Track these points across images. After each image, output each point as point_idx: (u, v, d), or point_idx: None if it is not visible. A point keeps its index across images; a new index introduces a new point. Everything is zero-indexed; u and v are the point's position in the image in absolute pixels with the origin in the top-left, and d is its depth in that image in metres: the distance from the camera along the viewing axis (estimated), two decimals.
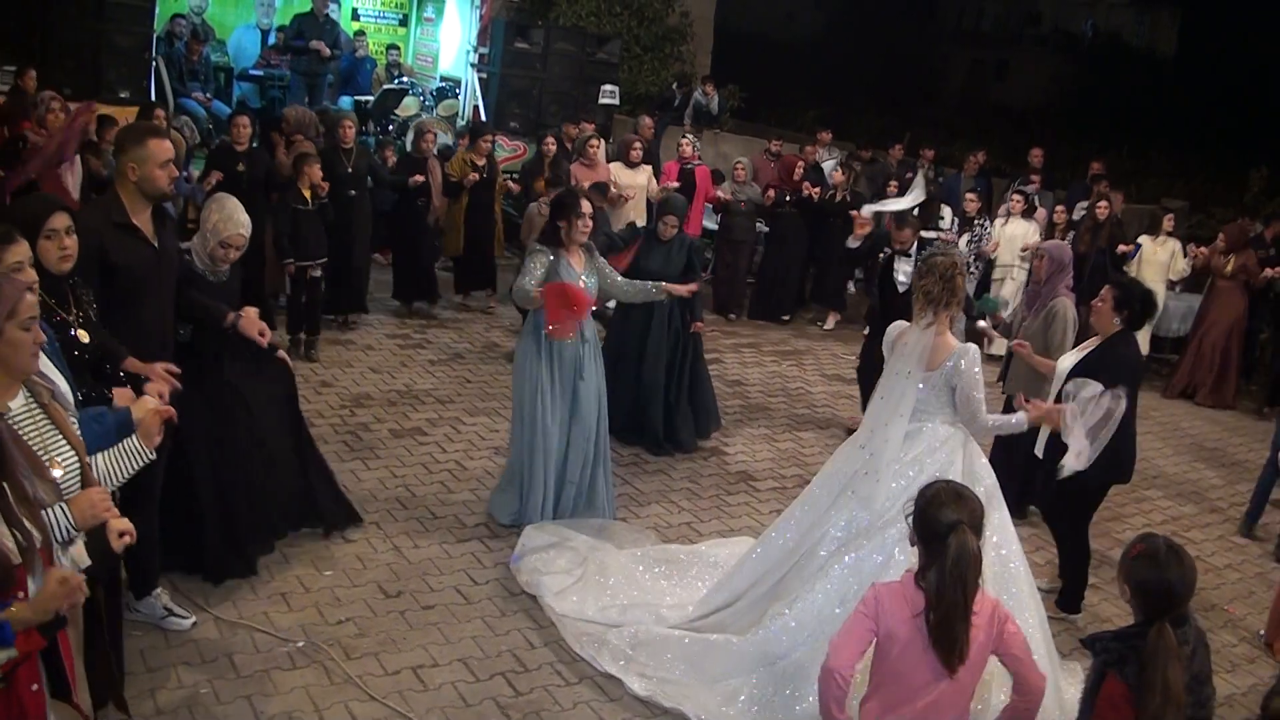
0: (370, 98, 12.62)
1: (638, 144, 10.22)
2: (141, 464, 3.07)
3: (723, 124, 15.60)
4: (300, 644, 4.41)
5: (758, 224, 11.24)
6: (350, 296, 8.83)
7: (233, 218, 4.63)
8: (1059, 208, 10.47)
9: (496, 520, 5.71)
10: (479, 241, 9.72)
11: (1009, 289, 9.99)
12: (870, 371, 7.63)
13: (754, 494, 6.60)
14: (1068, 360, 5.32)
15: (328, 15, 12.30)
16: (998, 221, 10.50)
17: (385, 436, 6.74)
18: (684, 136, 11.37)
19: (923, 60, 34.12)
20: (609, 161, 10.24)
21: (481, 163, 9.49)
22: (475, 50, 13.16)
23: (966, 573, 2.90)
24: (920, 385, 4.39)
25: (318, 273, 8.09)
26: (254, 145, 8.79)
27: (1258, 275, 9.84)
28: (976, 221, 10.59)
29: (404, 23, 14.61)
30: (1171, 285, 10.41)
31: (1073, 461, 4.49)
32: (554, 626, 4.77)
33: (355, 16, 14.10)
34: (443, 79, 13.71)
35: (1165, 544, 2.93)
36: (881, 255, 7.63)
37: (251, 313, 4.62)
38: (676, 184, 10.30)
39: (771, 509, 6.36)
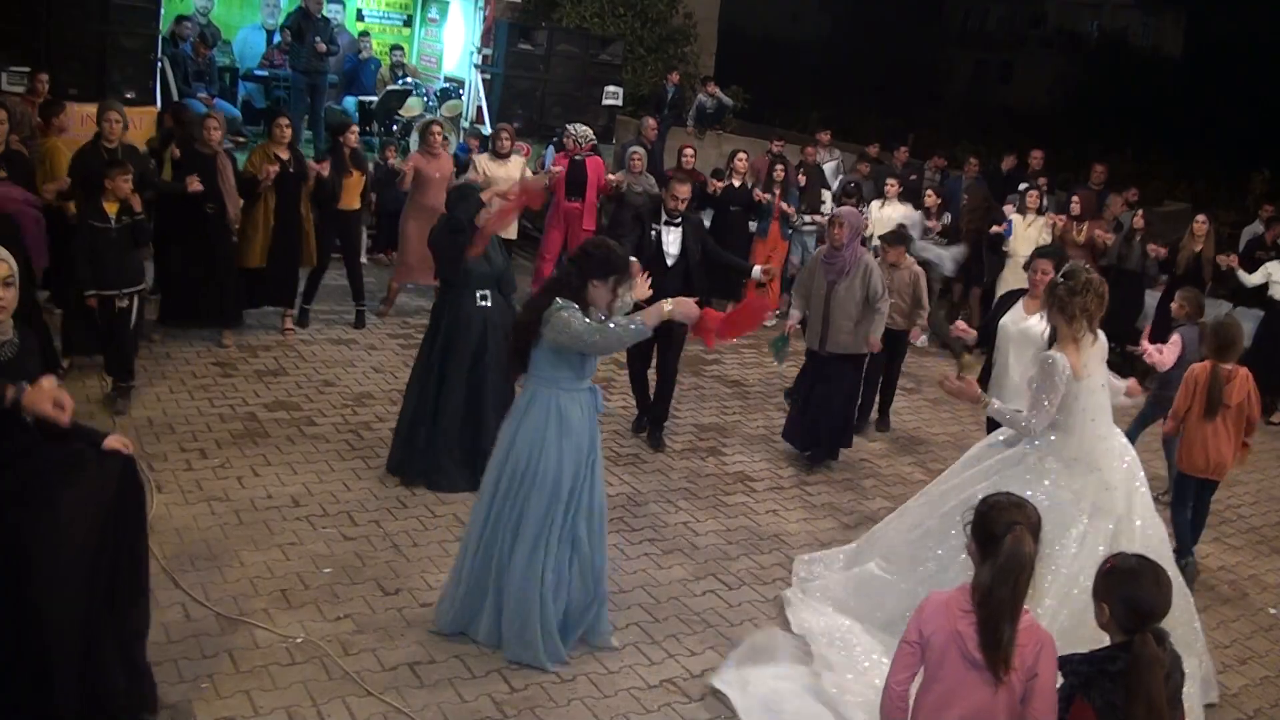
0: (374, 98, 12.70)
1: (505, 133, 9.69)
2: None
3: (725, 124, 15.65)
4: (299, 640, 4.46)
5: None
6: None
7: None
8: (929, 192, 10.79)
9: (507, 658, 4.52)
10: (284, 251, 8.26)
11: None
12: (642, 370, 7.33)
13: (751, 494, 6.64)
14: (1037, 326, 5.79)
15: (323, 15, 12.34)
16: (874, 204, 10.64)
17: (386, 435, 6.77)
18: (567, 128, 10.56)
19: (927, 61, 34.12)
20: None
21: (285, 156, 8.10)
22: (479, 51, 13.22)
23: (1019, 572, 2.88)
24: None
25: (125, 303, 6.74)
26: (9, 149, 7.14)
27: (1104, 242, 10.12)
28: (858, 207, 10.74)
29: (408, 23, 14.67)
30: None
31: None
32: None
33: (360, 17, 14.16)
34: (446, 80, 13.77)
35: (1136, 557, 3.02)
36: (653, 229, 7.04)
37: (45, 384, 3.32)
38: (558, 170, 9.95)
39: (769, 509, 6.42)
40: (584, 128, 10.43)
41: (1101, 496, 4.63)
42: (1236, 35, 28.97)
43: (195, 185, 7.48)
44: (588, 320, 4.25)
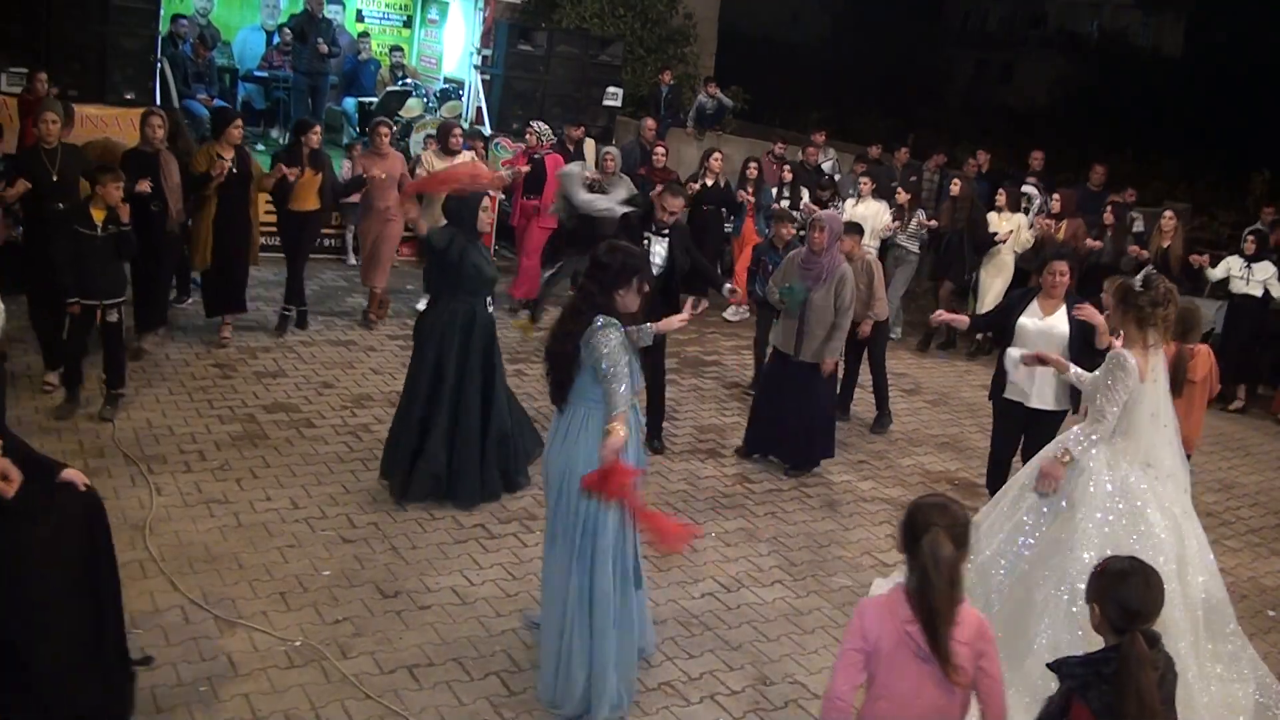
0: (374, 99, 12.70)
1: (457, 130, 9.68)
2: None
3: (725, 125, 15.63)
4: (298, 643, 4.47)
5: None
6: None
7: None
8: (899, 189, 10.89)
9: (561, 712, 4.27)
10: (230, 253, 8.06)
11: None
12: None
13: (750, 495, 6.64)
14: (1061, 325, 6.07)
15: (324, 15, 12.37)
16: (849, 202, 10.68)
17: (385, 438, 6.77)
18: (530, 124, 10.63)
19: (927, 62, 34.10)
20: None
21: (230, 155, 7.88)
22: (479, 52, 13.23)
23: (938, 573, 2.92)
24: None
25: (114, 316, 6.53)
26: None
27: (1084, 242, 10.14)
28: (831, 204, 10.81)
29: (408, 24, 14.69)
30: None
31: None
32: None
33: (360, 18, 14.19)
34: (446, 81, 13.78)
35: (1128, 559, 3.05)
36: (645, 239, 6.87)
37: None
38: (526, 169, 10.02)
39: (767, 511, 6.42)
40: (544, 125, 10.60)
41: (1183, 499, 4.67)
42: (1236, 36, 28.93)
43: (144, 186, 7.13)
44: (625, 345, 4.11)
